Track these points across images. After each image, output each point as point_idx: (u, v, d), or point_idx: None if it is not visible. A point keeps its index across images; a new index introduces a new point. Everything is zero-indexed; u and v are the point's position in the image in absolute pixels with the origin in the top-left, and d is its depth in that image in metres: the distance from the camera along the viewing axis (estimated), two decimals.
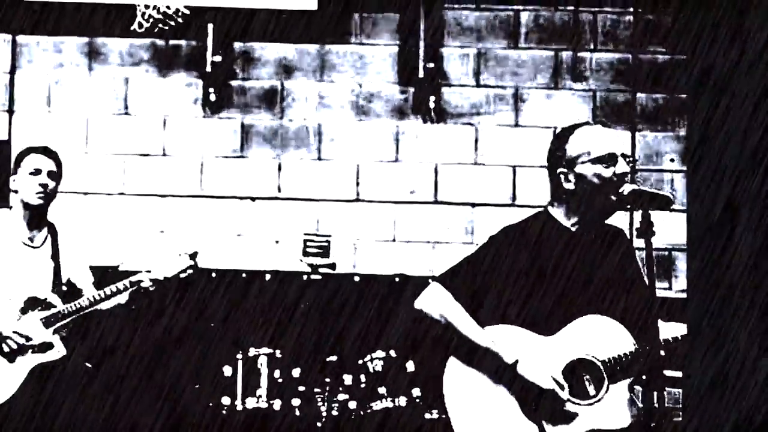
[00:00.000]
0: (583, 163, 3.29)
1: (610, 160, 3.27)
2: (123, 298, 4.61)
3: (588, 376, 3.30)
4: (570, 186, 3.33)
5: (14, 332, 4.42)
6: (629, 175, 3.28)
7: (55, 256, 4.62)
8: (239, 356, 5.75)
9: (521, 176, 6.84)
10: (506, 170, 6.85)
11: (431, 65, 6.79)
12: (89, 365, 6.36)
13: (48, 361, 4.49)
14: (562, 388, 3.27)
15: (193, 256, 4.64)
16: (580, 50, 6.91)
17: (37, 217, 4.64)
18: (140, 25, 6.45)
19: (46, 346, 4.48)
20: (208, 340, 6.33)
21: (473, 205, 6.84)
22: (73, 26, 6.81)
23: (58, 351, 4.50)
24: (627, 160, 3.30)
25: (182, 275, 4.61)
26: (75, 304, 4.52)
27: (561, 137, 3.39)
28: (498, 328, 3.34)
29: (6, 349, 4.41)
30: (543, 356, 3.31)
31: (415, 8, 6.82)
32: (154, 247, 6.47)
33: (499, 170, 6.86)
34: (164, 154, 6.87)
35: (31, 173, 4.57)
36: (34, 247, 4.61)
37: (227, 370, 5.77)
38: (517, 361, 3.27)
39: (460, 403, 3.31)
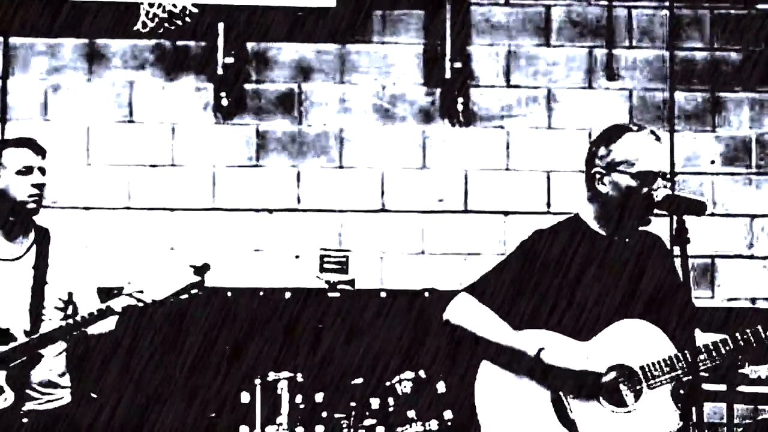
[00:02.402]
0: (622, 172, 3.31)
1: (649, 178, 3.27)
2: (110, 324, 3.99)
3: (626, 383, 3.30)
4: (603, 189, 3.36)
5: None
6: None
7: (38, 267, 3.96)
8: (258, 381, 5.51)
9: (556, 181, 6.65)
10: (540, 175, 6.66)
11: (458, 65, 6.59)
12: (95, 395, 5.99)
13: None
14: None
15: (200, 270, 3.90)
16: (614, 47, 6.74)
17: (20, 225, 4.01)
18: (144, 25, 6.24)
19: None
20: (223, 365, 6.07)
21: (506, 213, 6.65)
22: (71, 27, 6.54)
23: (5, 398, 3.71)
24: (665, 180, 3.30)
25: (182, 296, 3.86)
26: (33, 339, 3.74)
27: (609, 137, 3.39)
28: (533, 333, 3.36)
29: None
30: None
31: (441, 4, 6.62)
32: (164, 266, 6.11)
33: (533, 175, 6.67)
34: (173, 165, 6.61)
35: (19, 172, 3.97)
36: (7, 261, 3.97)
37: (245, 397, 5.54)
38: (540, 350, 3.28)
39: (490, 405, 3.33)
